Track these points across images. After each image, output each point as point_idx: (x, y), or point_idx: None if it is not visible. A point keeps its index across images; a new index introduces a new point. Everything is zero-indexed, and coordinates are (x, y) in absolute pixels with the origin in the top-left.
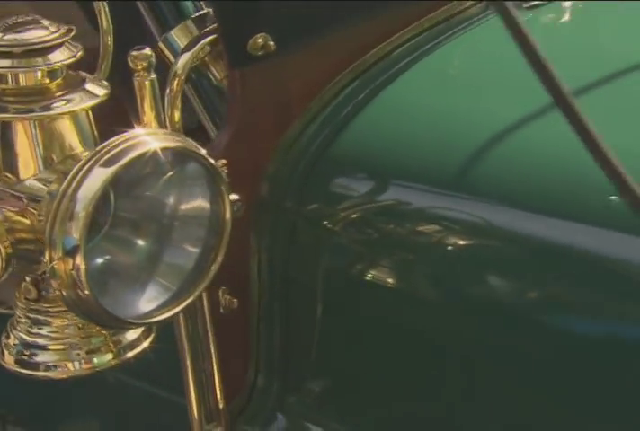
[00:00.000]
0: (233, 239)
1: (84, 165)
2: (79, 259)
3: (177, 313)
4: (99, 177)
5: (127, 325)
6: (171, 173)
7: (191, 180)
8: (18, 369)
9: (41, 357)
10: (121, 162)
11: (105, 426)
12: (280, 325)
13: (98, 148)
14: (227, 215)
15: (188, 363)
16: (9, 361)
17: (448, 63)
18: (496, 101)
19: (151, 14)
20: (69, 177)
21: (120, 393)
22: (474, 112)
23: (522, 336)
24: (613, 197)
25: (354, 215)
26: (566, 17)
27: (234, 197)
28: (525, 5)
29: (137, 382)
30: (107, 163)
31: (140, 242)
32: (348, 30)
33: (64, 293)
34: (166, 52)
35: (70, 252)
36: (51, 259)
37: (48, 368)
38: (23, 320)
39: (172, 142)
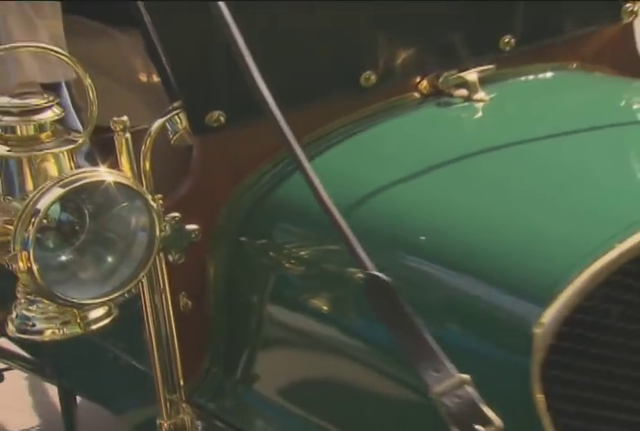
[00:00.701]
0: (192, 257)
1: (46, 185)
2: (32, 254)
3: (109, 300)
4: (53, 194)
5: (70, 306)
6: (125, 204)
7: (138, 210)
8: (22, 335)
9: (37, 327)
10: (74, 186)
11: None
12: (227, 326)
13: (63, 175)
14: (157, 234)
15: (154, 350)
16: (12, 330)
17: (370, 142)
18: (394, 172)
19: None
20: (34, 192)
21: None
22: (371, 179)
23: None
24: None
25: (276, 244)
26: (482, 114)
27: (193, 227)
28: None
29: (135, 363)
30: (64, 185)
31: (106, 255)
32: (293, 113)
33: (23, 277)
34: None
35: (25, 248)
36: (14, 251)
37: (40, 334)
38: (22, 300)
39: (120, 179)
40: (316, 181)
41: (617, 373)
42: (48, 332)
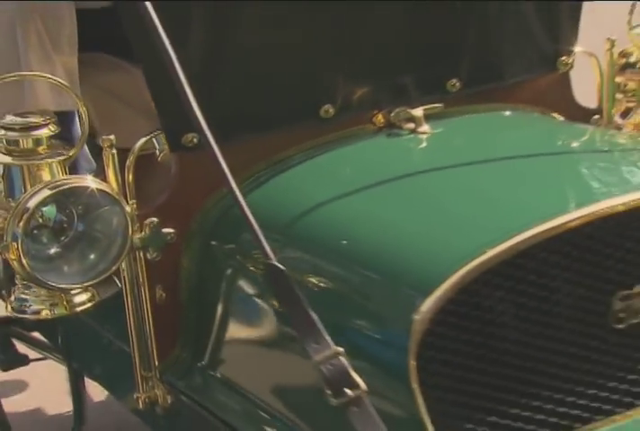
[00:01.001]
0: (168, 256)
1: (37, 188)
2: (20, 245)
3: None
4: (42, 195)
5: (50, 289)
6: (106, 207)
7: (117, 213)
8: (20, 315)
9: (32, 308)
10: (59, 189)
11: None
12: (196, 316)
13: (54, 179)
14: (129, 234)
15: (133, 334)
16: (11, 311)
17: (326, 165)
18: (340, 190)
19: None
20: (26, 193)
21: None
22: (320, 195)
23: None
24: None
25: (240, 248)
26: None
27: (169, 230)
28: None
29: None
30: (51, 188)
31: (90, 252)
32: (251, 140)
33: (14, 264)
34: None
35: (14, 240)
36: (5, 242)
37: (36, 313)
38: (20, 285)
39: (101, 186)
40: (235, 188)
41: (487, 356)
42: (43, 313)
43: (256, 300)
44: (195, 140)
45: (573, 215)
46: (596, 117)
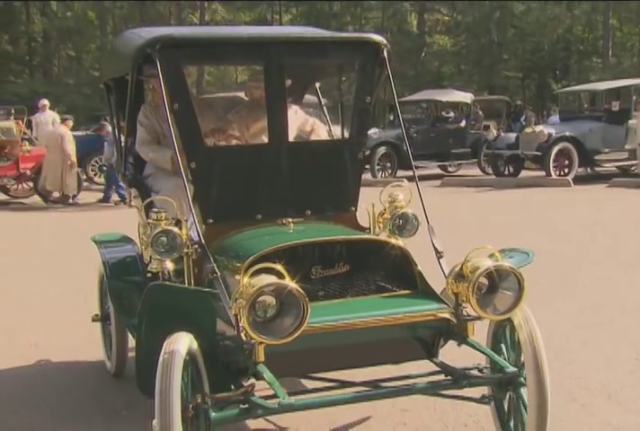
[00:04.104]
0: (199, 256)
1: (156, 228)
2: (150, 245)
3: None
4: (156, 230)
5: (157, 257)
6: (178, 239)
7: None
8: (150, 269)
9: (154, 267)
10: (162, 229)
11: None
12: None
13: (163, 228)
14: (183, 247)
15: (186, 282)
16: (149, 268)
17: (251, 233)
18: (249, 239)
19: None
20: (152, 231)
21: None
22: (243, 240)
23: None
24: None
25: (222, 258)
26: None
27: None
28: (282, 227)
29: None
30: (159, 228)
31: (172, 251)
32: (229, 223)
33: (148, 249)
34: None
35: (148, 243)
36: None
37: (153, 268)
38: (152, 257)
39: (178, 231)
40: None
41: None
42: (156, 268)
43: (228, 276)
44: (211, 220)
45: (304, 242)
46: (368, 230)
